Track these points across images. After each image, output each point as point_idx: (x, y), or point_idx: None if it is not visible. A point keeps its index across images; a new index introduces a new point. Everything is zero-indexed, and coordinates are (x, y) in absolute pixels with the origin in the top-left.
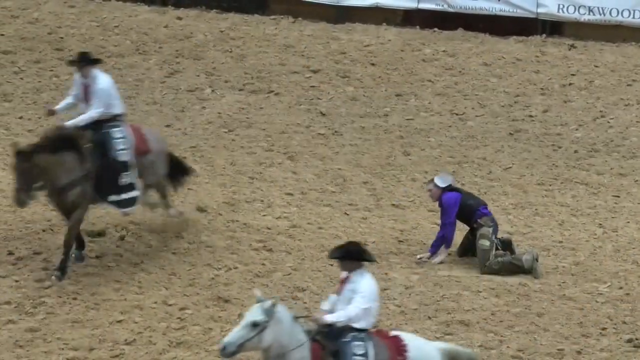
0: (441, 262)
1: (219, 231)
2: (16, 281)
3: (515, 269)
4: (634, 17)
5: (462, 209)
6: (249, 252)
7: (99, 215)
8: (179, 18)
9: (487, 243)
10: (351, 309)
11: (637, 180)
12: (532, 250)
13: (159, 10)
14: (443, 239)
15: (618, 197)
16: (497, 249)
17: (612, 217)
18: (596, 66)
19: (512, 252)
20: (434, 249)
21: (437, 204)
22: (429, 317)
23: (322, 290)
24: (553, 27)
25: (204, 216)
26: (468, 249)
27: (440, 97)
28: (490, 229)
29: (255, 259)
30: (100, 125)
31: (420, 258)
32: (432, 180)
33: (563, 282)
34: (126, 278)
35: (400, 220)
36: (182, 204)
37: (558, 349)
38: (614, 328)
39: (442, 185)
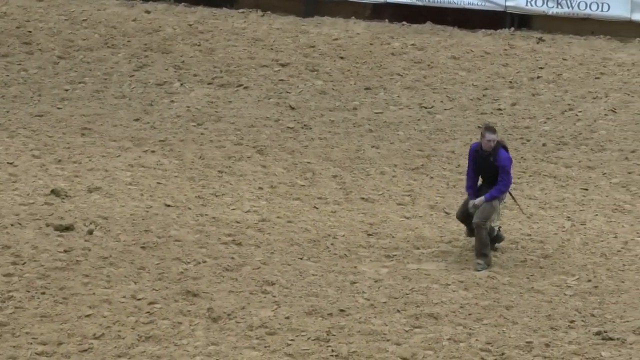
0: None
1: (188, 225)
2: None
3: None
4: (602, 10)
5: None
6: (218, 246)
7: (68, 209)
8: (148, 12)
9: (496, 204)
10: None
11: (605, 173)
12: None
13: (127, 4)
14: (499, 190)
15: (586, 190)
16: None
17: (581, 210)
18: (564, 59)
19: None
20: (490, 197)
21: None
22: (398, 311)
23: (291, 284)
24: (521, 21)
25: (173, 210)
26: (468, 214)
27: (409, 91)
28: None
29: (224, 252)
30: None
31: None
32: (495, 130)
33: (531, 275)
34: (95, 272)
35: (370, 213)
36: (152, 197)
37: (526, 342)
38: (582, 321)
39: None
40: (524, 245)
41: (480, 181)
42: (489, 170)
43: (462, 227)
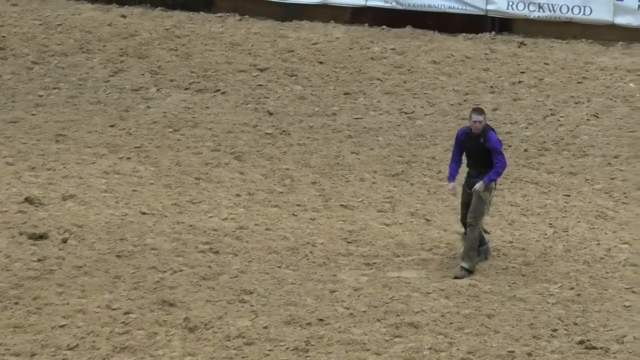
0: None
1: (165, 233)
2: None
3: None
4: (584, 14)
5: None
6: (195, 254)
7: (42, 217)
8: (123, 16)
9: (487, 196)
10: None
11: (587, 179)
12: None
13: (102, 8)
14: (498, 172)
15: (568, 196)
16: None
17: (563, 217)
18: (546, 63)
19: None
20: (489, 180)
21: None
22: (378, 320)
23: (269, 293)
24: (502, 24)
25: (148, 218)
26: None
27: (389, 96)
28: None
29: (201, 261)
30: None
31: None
32: (483, 111)
33: (513, 283)
34: (69, 282)
35: (349, 220)
36: (127, 205)
37: (508, 351)
38: (565, 329)
39: None
40: (505, 253)
41: (464, 168)
42: (479, 152)
43: (443, 234)
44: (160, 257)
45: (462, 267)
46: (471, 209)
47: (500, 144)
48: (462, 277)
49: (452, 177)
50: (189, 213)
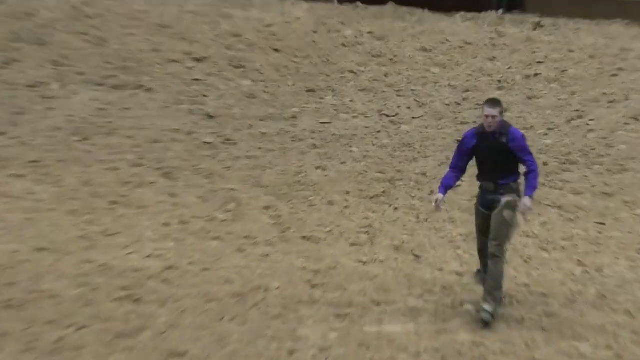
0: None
1: (68, 276)
2: None
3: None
4: None
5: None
6: (107, 303)
7: None
8: None
9: (512, 216)
10: None
11: (626, 202)
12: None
13: None
14: (537, 176)
15: (603, 224)
16: None
17: (596, 252)
18: (570, 51)
19: None
20: (534, 190)
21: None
22: None
23: (207, 354)
24: (512, 1)
25: (47, 255)
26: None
27: (365, 94)
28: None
29: (116, 313)
30: None
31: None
32: (499, 103)
33: (531, 340)
34: None
35: (314, 257)
36: (19, 238)
37: None
38: None
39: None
40: (520, 300)
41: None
42: (499, 156)
43: (438, 275)
44: (62, 308)
45: (484, 310)
46: (493, 236)
47: (526, 141)
48: (488, 323)
49: (443, 187)
50: (101, 248)
